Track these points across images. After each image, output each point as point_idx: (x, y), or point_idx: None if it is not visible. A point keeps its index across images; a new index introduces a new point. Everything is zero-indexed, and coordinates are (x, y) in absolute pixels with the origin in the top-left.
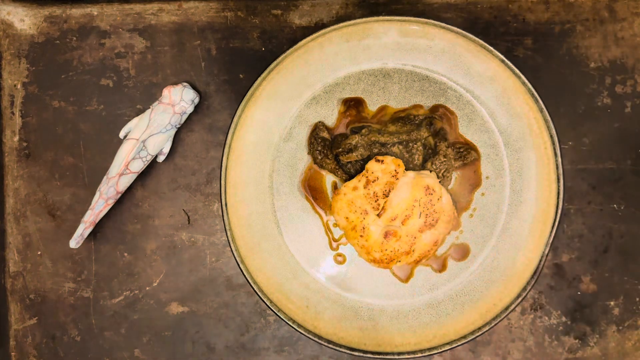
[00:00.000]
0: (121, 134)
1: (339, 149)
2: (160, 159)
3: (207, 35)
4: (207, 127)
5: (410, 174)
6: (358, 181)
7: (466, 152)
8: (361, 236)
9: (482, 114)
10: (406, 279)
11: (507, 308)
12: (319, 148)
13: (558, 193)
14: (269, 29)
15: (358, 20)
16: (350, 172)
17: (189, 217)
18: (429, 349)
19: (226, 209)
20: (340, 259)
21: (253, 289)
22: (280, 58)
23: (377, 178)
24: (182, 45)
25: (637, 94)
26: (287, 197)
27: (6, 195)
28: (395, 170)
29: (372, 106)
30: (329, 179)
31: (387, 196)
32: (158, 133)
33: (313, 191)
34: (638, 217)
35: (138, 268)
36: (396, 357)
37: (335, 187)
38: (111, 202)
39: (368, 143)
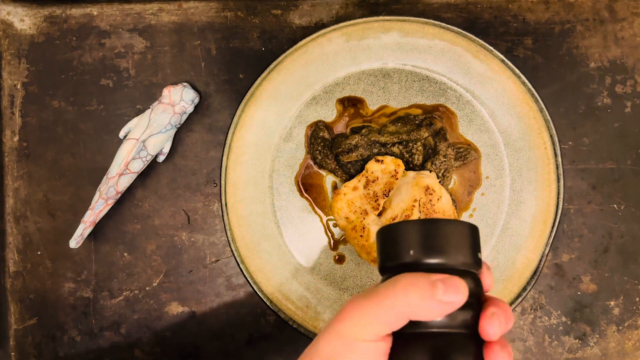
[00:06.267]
0: (121, 134)
1: (339, 149)
2: (160, 159)
3: (207, 35)
4: (207, 127)
5: (410, 174)
6: (358, 181)
7: (466, 152)
8: (361, 236)
9: (482, 114)
10: None
11: None
12: (319, 148)
13: (558, 193)
14: (269, 29)
15: (358, 20)
16: (350, 172)
17: (189, 217)
18: None
19: (226, 209)
20: (340, 259)
21: (253, 289)
22: (280, 58)
23: (377, 178)
24: (182, 45)
25: (637, 94)
26: (287, 197)
27: (6, 195)
28: (395, 170)
29: (372, 106)
30: (329, 179)
31: (387, 196)
32: (158, 133)
33: (313, 190)
34: (638, 217)
35: (138, 268)
36: None
37: (335, 187)
38: (111, 202)
39: (368, 143)
